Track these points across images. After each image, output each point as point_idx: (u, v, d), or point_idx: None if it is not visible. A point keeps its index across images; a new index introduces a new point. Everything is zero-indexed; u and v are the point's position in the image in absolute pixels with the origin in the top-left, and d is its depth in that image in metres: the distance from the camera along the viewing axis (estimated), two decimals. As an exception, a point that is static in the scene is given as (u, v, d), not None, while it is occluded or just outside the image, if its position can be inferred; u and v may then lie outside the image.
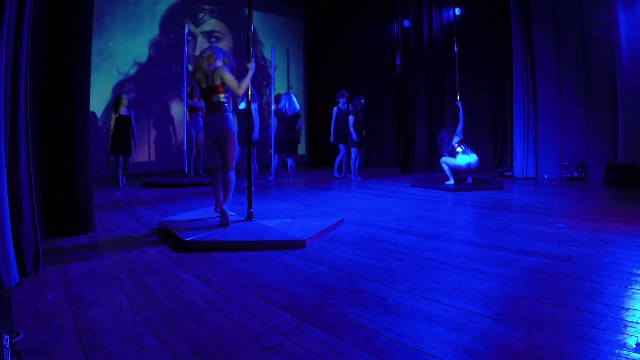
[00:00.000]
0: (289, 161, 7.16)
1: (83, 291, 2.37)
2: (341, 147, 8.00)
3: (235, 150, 3.86)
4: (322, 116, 8.04)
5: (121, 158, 6.95)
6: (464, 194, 5.92)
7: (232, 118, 3.86)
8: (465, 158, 6.19)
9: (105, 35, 8.31)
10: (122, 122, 6.80)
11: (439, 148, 6.71)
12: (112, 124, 6.77)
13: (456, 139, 6.37)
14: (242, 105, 6.14)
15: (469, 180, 6.37)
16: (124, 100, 6.83)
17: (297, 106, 6.96)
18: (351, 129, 7.57)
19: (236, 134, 3.87)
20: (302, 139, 11.85)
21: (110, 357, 1.66)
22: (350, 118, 7.58)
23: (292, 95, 7.09)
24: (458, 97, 6.88)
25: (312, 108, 11.90)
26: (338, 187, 6.94)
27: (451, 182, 6.36)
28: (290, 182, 7.21)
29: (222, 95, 3.77)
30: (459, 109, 6.69)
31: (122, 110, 6.80)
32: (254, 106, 5.68)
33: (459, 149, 6.27)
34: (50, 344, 1.76)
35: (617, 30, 6.25)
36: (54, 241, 3.47)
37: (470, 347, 1.67)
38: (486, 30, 8.39)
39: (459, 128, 6.46)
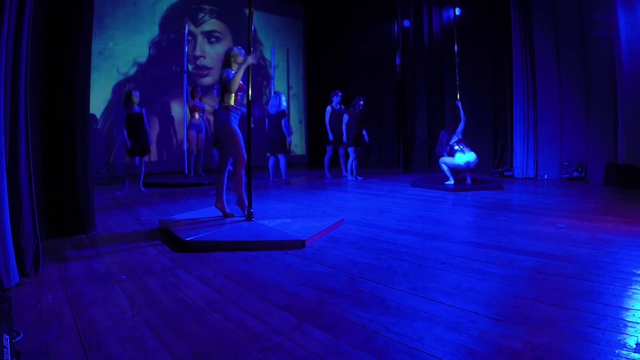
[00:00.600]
0: (281, 159, 7.23)
1: (83, 291, 2.37)
2: (329, 147, 7.99)
3: (238, 147, 3.93)
4: (322, 116, 8.04)
5: (137, 159, 6.52)
6: (463, 194, 5.92)
7: (233, 116, 3.96)
8: (463, 157, 6.20)
9: (105, 35, 8.30)
10: (134, 120, 6.41)
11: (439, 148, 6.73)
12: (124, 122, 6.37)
13: (454, 139, 6.38)
14: None
15: (469, 180, 6.37)
16: (135, 98, 6.43)
17: (283, 105, 7.03)
18: (343, 128, 7.56)
19: (237, 130, 3.96)
20: (301, 138, 11.84)
21: (110, 357, 1.66)
22: (345, 117, 7.57)
23: (281, 94, 7.15)
24: (458, 97, 6.89)
25: (312, 108, 11.87)
26: (338, 187, 6.93)
27: (451, 182, 6.36)
28: (284, 178, 7.25)
29: (226, 95, 3.93)
30: (459, 109, 6.69)
31: (133, 108, 6.44)
32: None
33: (456, 147, 6.28)
34: (50, 344, 1.76)
35: (617, 30, 6.24)
36: (54, 241, 3.47)
37: (470, 347, 1.67)
38: (486, 30, 8.38)
39: (460, 128, 6.47)
